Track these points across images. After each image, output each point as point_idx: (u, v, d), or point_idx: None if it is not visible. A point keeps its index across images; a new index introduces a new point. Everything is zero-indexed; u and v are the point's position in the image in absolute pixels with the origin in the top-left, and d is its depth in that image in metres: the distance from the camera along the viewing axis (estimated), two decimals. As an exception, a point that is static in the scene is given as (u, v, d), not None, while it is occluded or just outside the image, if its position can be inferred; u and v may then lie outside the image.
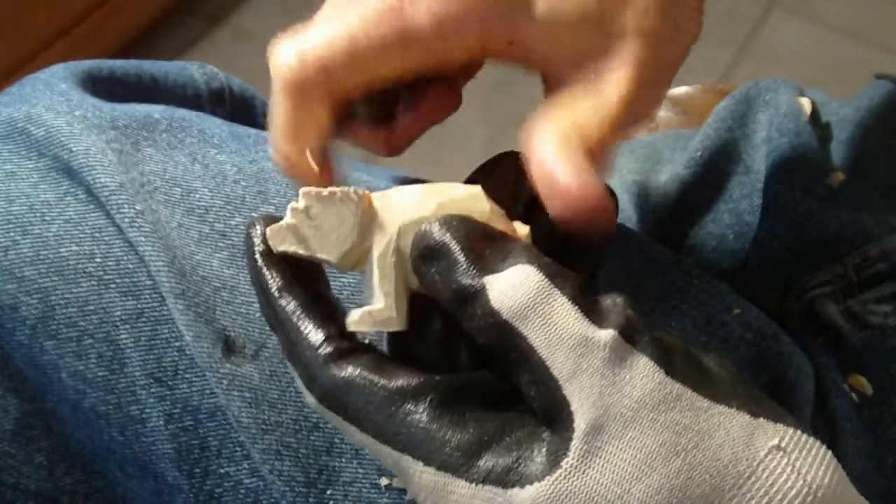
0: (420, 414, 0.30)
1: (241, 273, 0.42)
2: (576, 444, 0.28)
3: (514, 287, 0.29)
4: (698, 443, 0.28)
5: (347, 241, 0.32)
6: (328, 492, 0.40)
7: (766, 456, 0.28)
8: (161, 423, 0.40)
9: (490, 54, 0.37)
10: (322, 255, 0.32)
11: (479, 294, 0.30)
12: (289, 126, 0.37)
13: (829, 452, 0.28)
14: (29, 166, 0.43)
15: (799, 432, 0.28)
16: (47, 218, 0.42)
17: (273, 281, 0.32)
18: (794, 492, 0.27)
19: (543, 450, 0.29)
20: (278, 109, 0.37)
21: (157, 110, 0.47)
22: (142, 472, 0.41)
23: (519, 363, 0.29)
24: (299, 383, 0.32)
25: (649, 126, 0.77)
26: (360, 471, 0.40)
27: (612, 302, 0.30)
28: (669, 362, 0.29)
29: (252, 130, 0.49)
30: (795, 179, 0.50)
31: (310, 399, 0.32)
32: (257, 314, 0.41)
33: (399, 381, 0.30)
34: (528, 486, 0.28)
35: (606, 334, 0.29)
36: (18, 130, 0.44)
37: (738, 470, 0.27)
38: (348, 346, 0.31)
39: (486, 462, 0.29)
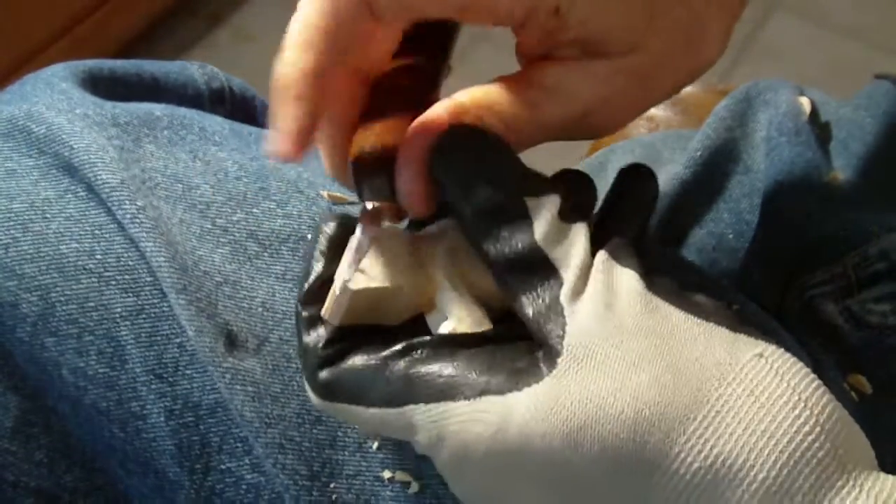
0: (412, 365, 0.32)
1: (243, 268, 0.42)
2: (569, 344, 0.30)
3: (551, 213, 0.32)
4: (682, 348, 0.30)
5: (411, 270, 0.34)
6: (331, 485, 0.40)
7: (748, 361, 0.30)
8: (162, 419, 0.40)
9: (530, 22, 0.34)
10: (400, 284, 0.34)
11: (519, 215, 0.32)
12: (309, 18, 0.32)
13: (810, 370, 0.30)
14: (29, 164, 0.43)
15: (780, 348, 0.30)
16: (48, 215, 0.42)
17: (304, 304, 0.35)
18: (778, 392, 0.29)
19: (539, 358, 0.31)
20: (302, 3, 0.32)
21: (157, 108, 0.47)
22: (143, 469, 0.41)
23: (528, 280, 0.31)
24: (306, 387, 0.34)
25: (649, 126, 0.77)
26: (364, 464, 0.41)
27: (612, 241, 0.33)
28: (650, 280, 0.31)
29: (253, 128, 0.50)
30: (795, 179, 0.50)
31: (312, 398, 0.34)
32: (259, 309, 0.41)
33: (387, 351, 0.32)
34: (526, 389, 0.30)
35: (601, 254, 0.32)
36: (19, 128, 0.44)
37: (721, 372, 0.29)
38: (344, 346, 0.34)
39: (480, 377, 0.31)
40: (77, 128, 0.43)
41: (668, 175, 0.55)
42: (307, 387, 0.34)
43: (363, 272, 0.33)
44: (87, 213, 0.42)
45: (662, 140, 0.63)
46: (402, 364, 0.32)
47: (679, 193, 0.53)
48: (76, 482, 0.42)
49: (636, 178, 0.37)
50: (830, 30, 1.65)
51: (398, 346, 0.32)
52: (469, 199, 0.32)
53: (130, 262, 0.41)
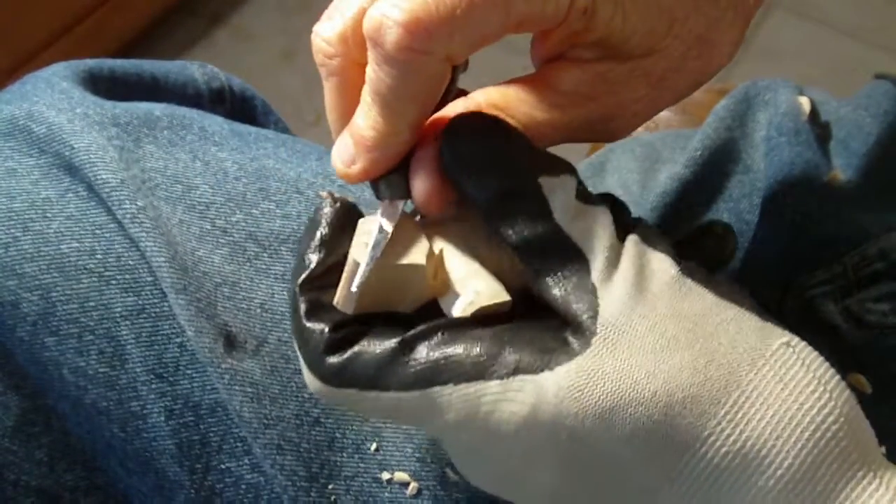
0: (436, 345, 0.31)
1: (242, 269, 0.42)
2: (603, 324, 0.30)
3: (568, 193, 0.32)
4: (713, 332, 0.30)
5: (424, 245, 0.33)
6: (330, 486, 0.40)
7: (777, 349, 0.30)
8: (162, 419, 0.41)
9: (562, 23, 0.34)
10: (413, 261, 0.33)
11: (536, 196, 0.32)
12: (399, 93, 0.31)
13: (829, 364, 0.31)
14: (30, 163, 0.43)
15: (804, 341, 0.31)
16: (48, 215, 0.42)
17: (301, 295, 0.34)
18: (805, 381, 0.29)
19: (569, 337, 0.30)
20: (384, 74, 0.31)
21: (157, 108, 0.47)
22: (143, 468, 0.41)
23: (552, 261, 0.31)
24: (306, 374, 0.33)
25: (649, 126, 0.77)
26: (362, 465, 0.41)
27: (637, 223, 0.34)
28: (684, 264, 0.32)
29: (252, 128, 0.50)
30: (794, 179, 0.50)
31: (316, 385, 0.33)
32: (258, 310, 0.41)
33: (406, 334, 0.32)
34: (557, 368, 0.30)
35: (632, 237, 0.32)
36: (20, 128, 0.44)
37: (752, 358, 0.30)
38: (351, 331, 0.33)
39: (511, 356, 0.30)
40: (77, 127, 0.43)
41: (668, 175, 0.55)
42: (307, 373, 0.33)
43: (387, 252, 0.33)
44: (87, 212, 0.42)
45: (662, 140, 0.63)
46: (424, 347, 0.31)
47: (679, 193, 0.53)
48: (77, 481, 0.43)
49: (710, 235, 0.37)
50: (830, 30, 1.65)
51: (418, 329, 0.32)
52: (483, 183, 0.32)
53: (131, 262, 0.41)
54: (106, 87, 0.50)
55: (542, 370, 0.30)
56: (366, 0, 0.33)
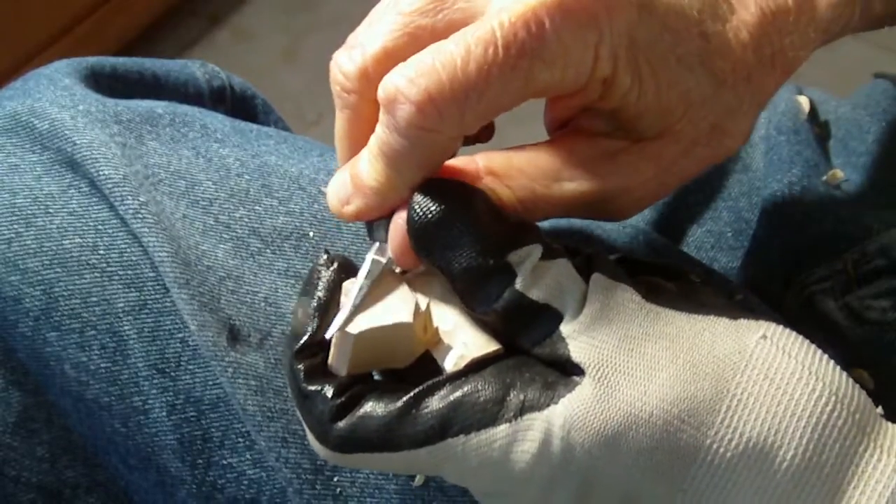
0: (442, 398, 0.31)
1: (245, 264, 0.42)
2: (587, 361, 0.31)
3: (533, 260, 0.32)
4: (691, 346, 0.31)
5: (410, 301, 0.33)
6: (335, 478, 0.40)
7: (755, 346, 0.31)
8: (163, 414, 0.41)
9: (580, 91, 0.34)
10: (400, 320, 0.33)
11: (504, 274, 0.32)
12: (405, 159, 0.32)
13: (810, 342, 0.31)
14: (33, 159, 0.43)
15: (780, 326, 0.31)
16: (51, 210, 0.42)
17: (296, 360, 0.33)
18: (790, 371, 0.30)
19: (562, 375, 0.31)
20: (393, 141, 0.31)
21: (159, 105, 0.48)
22: (144, 464, 0.41)
23: (527, 325, 0.32)
24: (313, 443, 0.33)
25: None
26: None
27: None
28: (648, 290, 0.32)
29: (254, 125, 0.50)
30: (794, 177, 0.50)
31: (325, 452, 0.33)
32: (262, 304, 0.42)
33: (410, 392, 0.32)
34: (562, 400, 0.30)
35: (595, 276, 0.32)
36: (22, 124, 0.44)
37: (733, 361, 0.30)
38: (354, 392, 0.32)
39: (516, 397, 0.31)
40: (80, 124, 0.43)
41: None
42: (315, 441, 0.33)
43: (363, 314, 0.33)
44: (89, 208, 0.42)
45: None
46: (430, 402, 0.31)
47: (678, 191, 0.54)
48: (78, 478, 0.43)
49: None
50: (830, 30, 1.65)
51: (422, 387, 0.32)
52: (449, 259, 0.32)
53: (133, 258, 0.41)
54: (108, 84, 0.51)
55: (547, 405, 0.31)
56: (390, 38, 0.32)
